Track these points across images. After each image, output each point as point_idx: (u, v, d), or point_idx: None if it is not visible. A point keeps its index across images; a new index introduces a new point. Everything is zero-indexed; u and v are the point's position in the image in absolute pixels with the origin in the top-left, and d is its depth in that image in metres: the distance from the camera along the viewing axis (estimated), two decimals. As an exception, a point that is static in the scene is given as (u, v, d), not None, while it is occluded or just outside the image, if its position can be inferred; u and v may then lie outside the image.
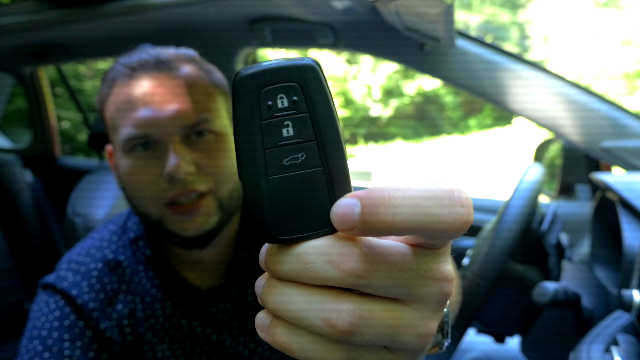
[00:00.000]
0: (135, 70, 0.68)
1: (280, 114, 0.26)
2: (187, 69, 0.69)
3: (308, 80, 0.26)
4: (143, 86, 0.67)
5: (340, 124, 0.27)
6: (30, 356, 0.65)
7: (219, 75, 0.74)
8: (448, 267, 0.27)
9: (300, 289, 0.26)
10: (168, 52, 0.71)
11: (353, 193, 0.25)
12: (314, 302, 0.25)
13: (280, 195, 0.26)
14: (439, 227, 0.24)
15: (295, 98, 0.26)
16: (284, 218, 0.26)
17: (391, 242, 0.26)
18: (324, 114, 0.26)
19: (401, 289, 0.25)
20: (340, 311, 0.25)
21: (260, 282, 0.27)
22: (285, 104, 0.26)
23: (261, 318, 0.27)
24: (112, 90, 0.70)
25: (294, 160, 0.26)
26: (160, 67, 0.68)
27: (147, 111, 0.66)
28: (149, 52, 0.71)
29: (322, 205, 0.26)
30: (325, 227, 0.26)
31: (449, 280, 0.26)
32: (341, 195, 0.26)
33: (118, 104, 0.68)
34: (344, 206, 0.24)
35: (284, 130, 0.26)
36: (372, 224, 0.24)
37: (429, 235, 0.25)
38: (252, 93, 0.25)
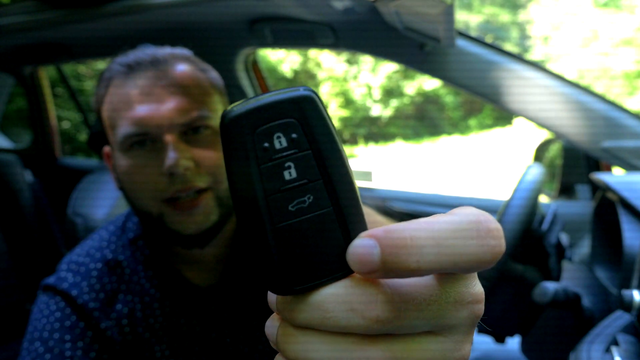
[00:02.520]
0: (132, 69, 0.68)
1: (279, 155, 0.23)
2: (183, 67, 0.70)
3: (306, 114, 0.23)
4: (139, 84, 0.67)
5: (347, 157, 0.24)
6: (32, 358, 0.65)
7: (214, 74, 0.74)
8: (477, 287, 0.25)
9: (323, 338, 0.23)
10: (164, 51, 0.72)
11: (369, 232, 0.22)
12: (339, 351, 0.23)
13: (289, 244, 0.23)
14: (469, 263, 0.22)
15: (294, 135, 0.23)
16: (295, 267, 0.24)
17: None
18: (328, 149, 0.23)
19: (431, 322, 0.23)
20: (370, 358, 0.23)
21: (272, 327, 0.25)
22: (284, 143, 0.23)
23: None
24: (108, 89, 0.70)
25: (300, 204, 0.23)
26: (156, 65, 0.68)
27: (144, 108, 0.66)
28: (144, 51, 0.71)
29: (336, 248, 0.24)
30: (341, 270, 0.24)
31: (479, 302, 0.25)
32: (356, 235, 0.23)
33: (115, 103, 0.68)
34: (361, 248, 0.22)
35: (286, 173, 0.23)
36: (394, 268, 0.21)
37: (458, 271, 0.23)
38: (244, 135, 0.23)
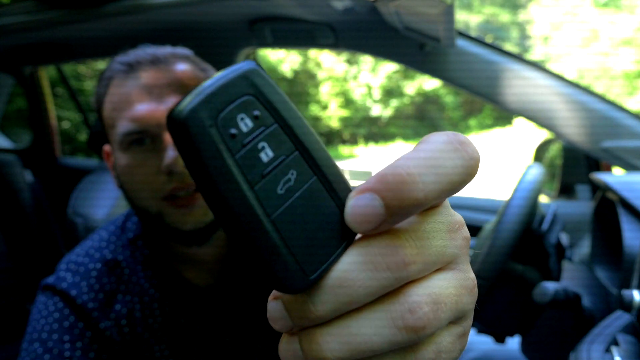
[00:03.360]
0: (132, 68, 0.69)
1: (250, 138, 0.21)
2: (183, 66, 0.70)
3: (260, 87, 0.21)
4: (139, 82, 0.67)
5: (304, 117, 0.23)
6: (31, 358, 0.64)
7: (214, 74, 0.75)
8: (456, 214, 0.24)
9: (358, 318, 0.21)
10: (164, 50, 0.72)
11: (358, 188, 0.21)
12: (382, 318, 0.21)
13: (291, 231, 0.21)
14: (461, 177, 0.22)
15: (256, 112, 0.21)
16: (304, 254, 0.21)
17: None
18: (292, 117, 0.22)
19: (442, 254, 0.23)
20: (413, 306, 0.21)
21: (292, 345, 0.22)
22: (250, 124, 0.21)
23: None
24: (108, 88, 0.70)
25: (287, 184, 0.21)
26: (156, 64, 0.69)
27: (144, 107, 0.66)
28: (145, 50, 0.71)
29: (333, 217, 0.22)
30: (345, 238, 0.22)
31: (464, 224, 0.24)
32: (346, 196, 0.22)
33: (115, 102, 0.69)
34: (360, 206, 0.21)
35: (263, 155, 0.21)
36: (400, 210, 0.20)
37: (453, 191, 0.22)
38: (208, 128, 0.20)
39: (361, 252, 0.21)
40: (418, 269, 0.22)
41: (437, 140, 0.22)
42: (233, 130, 0.21)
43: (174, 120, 0.20)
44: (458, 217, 0.24)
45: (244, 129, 0.21)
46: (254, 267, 0.21)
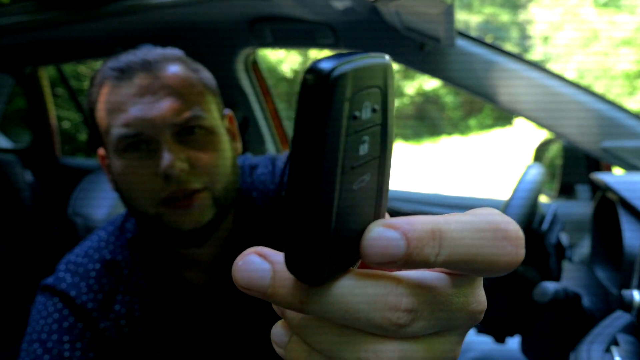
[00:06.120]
0: (123, 73, 0.68)
1: (362, 127, 0.20)
2: (174, 68, 0.70)
3: (388, 84, 0.20)
4: (131, 86, 0.67)
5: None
6: (30, 359, 0.64)
7: (206, 74, 0.74)
8: (482, 294, 0.24)
9: (337, 328, 0.22)
10: (155, 52, 0.71)
11: (387, 222, 0.21)
12: (349, 343, 0.22)
13: (342, 229, 0.21)
14: (482, 264, 0.21)
15: (375, 107, 0.20)
16: (336, 254, 0.21)
17: (431, 276, 0.23)
18: (392, 124, 0.21)
19: (440, 326, 0.23)
20: (379, 352, 0.22)
21: (278, 330, 0.24)
22: (368, 114, 0.20)
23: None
24: (100, 94, 0.70)
25: (361, 183, 0.21)
26: (147, 67, 0.68)
27: (137, 110, 0.66)
28: (135, 54, 0.71)
29: (361, 231, 0.21)
30: (358, 256, 0.22)
31: (482, 310, 0.24)
32: (381, 216, 0.22)
33: (108, 107, 0.68)
34: (386, 240, 0.20)
35: (361, 148, 0.20)
36: (414, 262, 0.21)
37: (470, 272, 0.23)
38: (345, 99, 0.19)
39: (371, 285, 0.21)
40: (406, 332, 0.22)
41: (485, 219, 0.22)
42: (357, 113, 0.20)
43: (322, 74, 0.18)
44: (481, 297, 0.24)
45: (364, 116, 0.20)
46: (288, 243, 0.20)
